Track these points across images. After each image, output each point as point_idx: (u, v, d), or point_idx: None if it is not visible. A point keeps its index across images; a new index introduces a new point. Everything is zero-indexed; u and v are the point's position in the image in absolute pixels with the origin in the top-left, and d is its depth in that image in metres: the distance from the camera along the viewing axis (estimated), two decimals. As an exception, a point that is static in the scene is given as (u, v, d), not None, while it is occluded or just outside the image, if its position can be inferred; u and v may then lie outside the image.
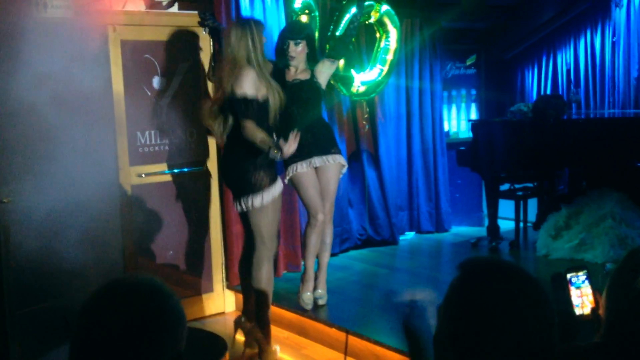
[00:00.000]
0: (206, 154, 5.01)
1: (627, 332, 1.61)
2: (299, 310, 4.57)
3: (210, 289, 5.05)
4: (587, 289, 1.91)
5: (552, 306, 1.30)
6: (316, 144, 4.43)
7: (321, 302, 4.61)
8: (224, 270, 5.13)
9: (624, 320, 1.62)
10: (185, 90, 4.88)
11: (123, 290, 1.35)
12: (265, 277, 4.06)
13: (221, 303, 5.12)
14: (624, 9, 6.65)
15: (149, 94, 4.74)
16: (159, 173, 4.79)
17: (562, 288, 1.89)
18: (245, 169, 3.91)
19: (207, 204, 5.04)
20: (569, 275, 1.90)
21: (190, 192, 4.96)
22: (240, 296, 5.05)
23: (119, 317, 1.29)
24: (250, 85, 3.85)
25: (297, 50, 4.38)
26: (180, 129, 4.86)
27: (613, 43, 6.80)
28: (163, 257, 4.84)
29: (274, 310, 4.72)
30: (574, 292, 1.89)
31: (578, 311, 1.88)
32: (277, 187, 4.00)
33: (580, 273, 1.91)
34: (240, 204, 3.96)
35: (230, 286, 5.11)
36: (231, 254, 5.08)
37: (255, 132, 3.81)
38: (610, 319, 1.65)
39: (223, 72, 3.99)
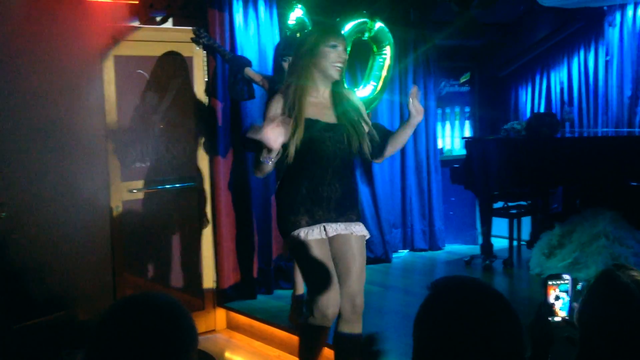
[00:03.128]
0: (198, 170, 4.98)
1: (599, 354, 1.62)
2: (291, 328, 4.52)
3: (200, 307, 5.00)
4: (565, 297, 1.94)
5: (519, 323, 1.33)
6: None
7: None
8: (215, 287, 5.08)
9: (596, 343, 1.63)
10: (177, 105, 4.87)
11: (140, 307, 1.36)
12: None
13: (212, 321, 5.07)
14: (617, 29, 6.68)
15: (142, 109, 4.72)
16: (150, 188, 4.76)
17: (544, 294, 1.95)
18: None
19: (198, 220, 5.01)
20: (549, 282, 1.93)
21: (181, 208, 4.93)
22: (232, 313, 5.02)
23: (136, 333, 1.30)
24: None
25: None
26: (173, 145, 4.84)
27: (606, 62, 6.83)
28: (154, 274, 4.79)
29: (265, 328, 4.68)
30: (552, 298, 1.93)
31: (556, 317, 1.93)
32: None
33: (561, 281, 1.94)
34: None
35: (221, 303, 5.06)
36: (222, 271, 5.05)
37: None
38: (583, 340, 1.66)
39: None
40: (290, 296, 4.64)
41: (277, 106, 2.99)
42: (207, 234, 5.04)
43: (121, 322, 1.33)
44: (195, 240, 5.00)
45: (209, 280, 5.06)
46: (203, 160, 4.99)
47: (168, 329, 1.33)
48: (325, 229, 3.00)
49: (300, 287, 4.55)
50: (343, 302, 3.08)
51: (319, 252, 2.97)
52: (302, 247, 2.96)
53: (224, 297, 5.06)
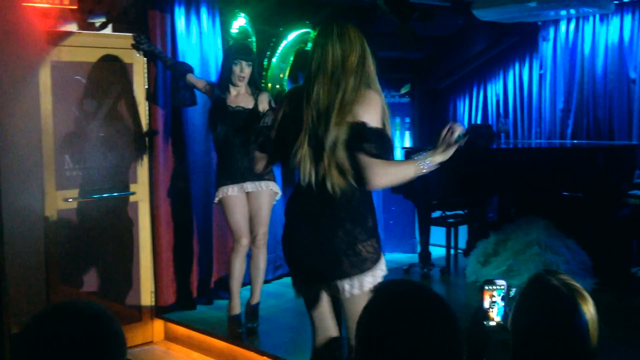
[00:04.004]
0: (137, 179, 4.90)
1: (532, 357, 1.67)
2: (230, 338, 4.49)
3: (138, 318, 4.91)
4: (500, 302, 2.00)
5: (458, 325, 1.37)
6: (251, 169, 4.40)
7: (252, 326, 4.56)
8: (153, 298, 5.00)
9: (528, 347, 1.68)
10: (116, 113, 4.78)
11: (64, 315, 1.35)
12: None
13: (149, 332, 4.98)
14: (550, 43, 6.93)
15: (79, 116, 4.62)
16: (87, 197, 4.65)
17: (480, 299, 1.99)
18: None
19: (137, 229, 4.92)
20: (485, 287, 1.98)
21: (119, 217, 4.84)
22: (170, 325, 4.95)
23: (61, 341, 1.29)
24: None
25: (247, 72, 4.38)
26: (111, 153, 4.75)
27: (540, 75, 7.06)
28: (89, 285, 4.68)
29: (204, 339, 4.64)
30: (487, 303, 1.98)
31: (491, 322, 1.98)
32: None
33: (497, 287, 1.99)
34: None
35: (159, 314, 4.99)
36: (161, 281, 4.97)
37: None
38: (516, 344, 1.71)
39: None
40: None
41: None
42: (146, 243, 4.96)
43: (45, 330, 1.31)
44: (133, 250, 4.91)
45: (146, 291, 4.98)
46: (142, 169, 4.92)
47: (93, 337, 1.32)
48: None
49: (237, 307, 4.55)
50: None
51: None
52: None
53: (162, 308, 4.98)
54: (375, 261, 2.61)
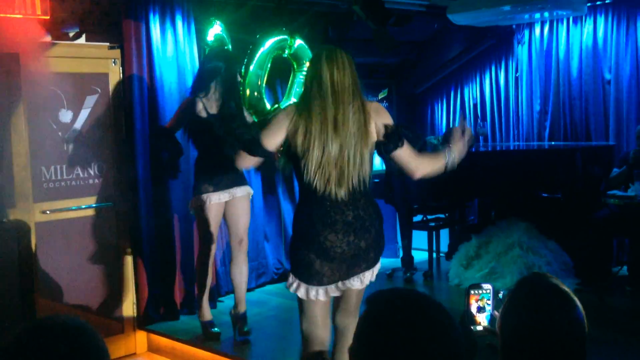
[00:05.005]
0: (116, 190, 4.85)
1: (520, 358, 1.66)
2: (213, 347, 4.45)
3: (120, 330, 4.85)
4: (486, 306, 1.99)
5: (458, 332, 1.34)
6: (235, 175, 4.42)
7: (248, 329, 4.59)
8: (135, 309, 4.94)
9: (517, 350, 1.66)
10: (93, 123, 4.73)
11: (44, 332, 1.32)
12: None
13: (132, 344, 4.92)
14: (525, 46, 6.99)
15: (55, 127, 4.56)
16: (65, 209, 4.59)
17: (466, 304, 1.97)
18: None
19: (117, 241, 4.86)
20: (471, 291, 1.98)
21: (99, 229, 4.77)
22: (153, 336, 4.89)
23: (43, 358, 1.26)
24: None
25: None
26: (88, 164, 4.70)
27: (516, 78, 7.12)
28: (69, 298, 4.61)
29: (188, 349, 4.59)
30: (474, 307, 1.97)
31: (478, 326, 1.97)
32: None
33: (483, 291, 1.99)
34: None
35: (141, 326, 4.93)
36: (143, 292, 4.92)
37: None
38: (505, 347, 1.70)
39: None
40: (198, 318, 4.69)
41: None
42: (127, 254, 4.90)
43: (25, 349, 1.29)
44: (114, 262, 4.85)
45: (129, 302, 4.92)
46: (122, 179, 4.86)
47: (75, 353, 1.30)
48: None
49: (208, 314, 4.61)
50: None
51: None
52: None
53: (145, 319, 4.92)
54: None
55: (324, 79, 2.79)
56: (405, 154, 2.87)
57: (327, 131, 2.75)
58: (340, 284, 2.92)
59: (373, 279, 3.02)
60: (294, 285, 2.89)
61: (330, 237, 2.80)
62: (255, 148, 2.88)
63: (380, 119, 2.85)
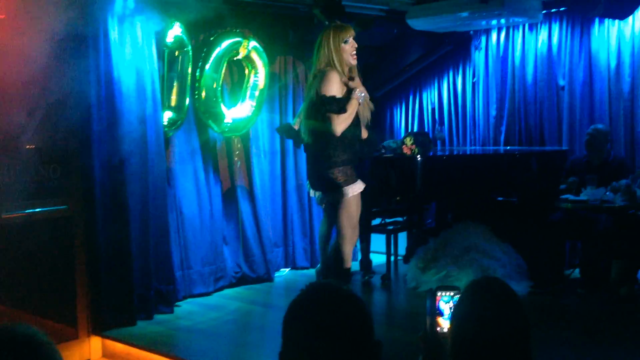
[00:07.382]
0: (71, 192, 4.75)
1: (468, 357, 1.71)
2: (169, 353, 4.40)
3: (74, 335, 4.75)
4: (448, 309, 2.01)
5: (371, 325, 1.49)
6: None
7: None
8: (89, 315, 4.85)
9: (466, 349, 1.72)
10: (49, 123, 4.63)
11: None
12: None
13: (86, 350, 4.82)
14: (482, 52, 7.10)
15: (8, 128, 4.45)
16: (17, 212, 4.48)
17: (432, 306, 2.00)
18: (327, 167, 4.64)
19: (71, 244, 4.77)
20: (438, 293, 2.00)
21: (53, 232, 4.67)
22: (108, 341, 4.82)
23: None
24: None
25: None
26: (42, 166, 4.60)
27: (473, 84, 7.23)
28: (21, 303, 4.51)
29: (144, 355, 4.53)
30: (443, 309, 1.99)
31: (443, 329, 1.99)
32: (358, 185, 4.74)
33: (449, 293, 2.01)
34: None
35: (96, 331, 4.84)
36: (98, 297, 4.83)
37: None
38: (455, 347, 1.75)
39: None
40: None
41: None
42: (81, 258, 4.81)
43: None
44: (68, 266, 4.75)
45: (83, 307, 4.82)
46: (76, 181, 4.77)
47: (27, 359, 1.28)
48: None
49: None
50: None
51: None
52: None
53: (100, 324, 4.84)
54: None
55: None
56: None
57: None
58: None
59: None
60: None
61: None
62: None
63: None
